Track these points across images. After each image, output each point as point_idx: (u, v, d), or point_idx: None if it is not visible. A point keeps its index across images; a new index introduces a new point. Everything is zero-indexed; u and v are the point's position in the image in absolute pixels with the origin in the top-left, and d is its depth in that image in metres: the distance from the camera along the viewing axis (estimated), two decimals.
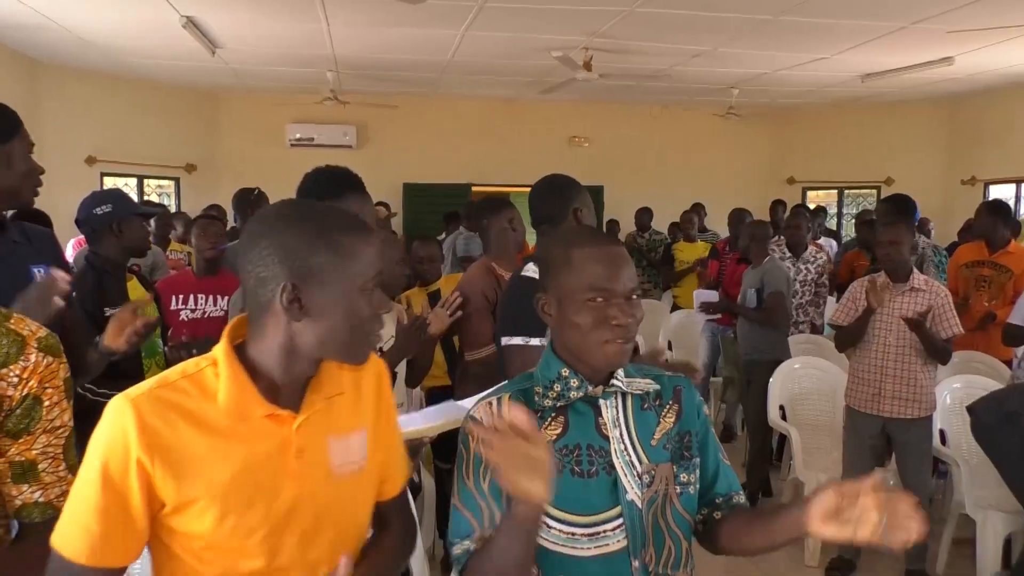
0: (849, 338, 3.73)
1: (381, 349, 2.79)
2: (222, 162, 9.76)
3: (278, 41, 6.89)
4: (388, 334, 2.80)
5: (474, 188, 10.54)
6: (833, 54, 6.88)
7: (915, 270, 3.67)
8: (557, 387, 1.34)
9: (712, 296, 5.32)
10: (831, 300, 5.50)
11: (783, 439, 4.98)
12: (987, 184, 9.25)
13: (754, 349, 4.77)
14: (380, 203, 8.33)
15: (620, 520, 1.30)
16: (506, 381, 1.46)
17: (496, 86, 9.07)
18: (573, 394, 1.34)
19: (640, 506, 1.32)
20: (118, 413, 1.07)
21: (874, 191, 10.51)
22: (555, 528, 1.29)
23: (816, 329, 5.33)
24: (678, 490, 1.36)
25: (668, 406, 1.40)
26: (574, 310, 1.31)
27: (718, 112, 9.37)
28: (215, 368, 1.13)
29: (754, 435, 4.86)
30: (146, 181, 9.48)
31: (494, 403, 1.34)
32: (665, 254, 7.01)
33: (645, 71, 7.81)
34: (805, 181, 10.82)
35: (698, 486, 1.40)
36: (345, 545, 1.23)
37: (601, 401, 1.35)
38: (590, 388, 1.34)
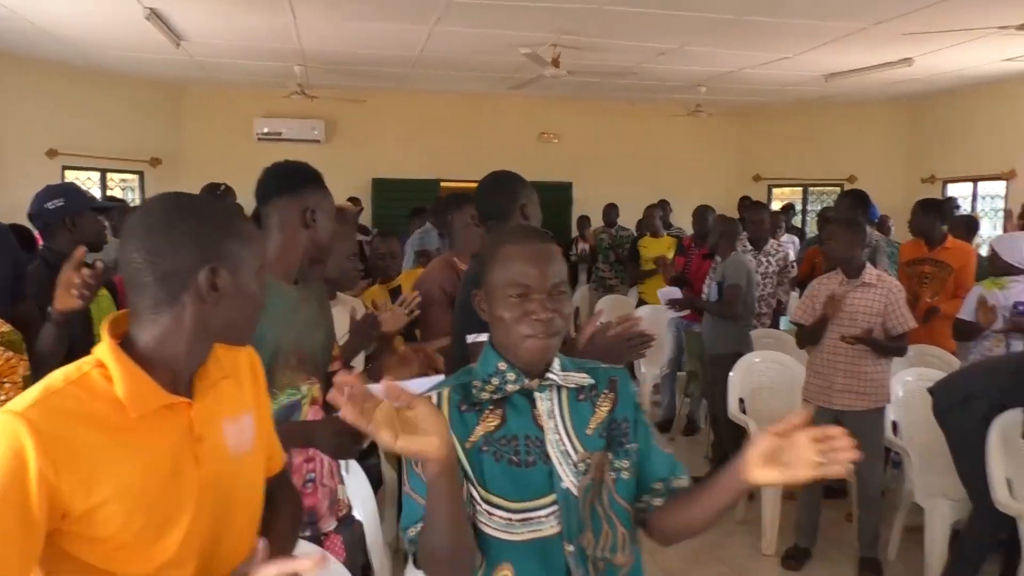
0: (808, 338, 3.84)
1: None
2: (188, 156, 9.65)
3: (245, 34, 6.84)
4: (342, 329, 2.83)
5: (443, 184, 10.53)
6: (796, 54, 7.00)
7: (868, 265, 3.77)
8: (495, 381, 1.39)
9: (675, 293, 5.40)
10: (794, 296, 5.61)
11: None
12: (945, 182, 9.48)
13: (717, 343, 4.86)
14: (350, 198, 8.33)
15: (554, 507, 1.35)
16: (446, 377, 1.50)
17: (465, 82, 9.08)
18: (510, 387, 1.38)
19: (576, 493, 1.36)
20: (8, 431, 1.02)
21: (838, 189, 10.70)
22: (495, 515, 1.34)
23: (781, 309, 5.42)
24: (613, 476, 1.41)
25: (603, 395, 1.45)
26: (499, 305, 1.37)
27: (686, 110, 9.48)
28: (101, 369, 1.12)
29: (716, 428, 4.95)
30: (109, 175, 9.34)
31: (434, 397, 1.38)
32: (631, 250, 7.09)
33: (613, 68, 7.87)
34: (771, 178, 10.99)
35: (634, 472, 1.45)
36: (253, 527, 1.28)
37: (537, 394, 1.40)
38: (526, 381, 1.39)
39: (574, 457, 1.37)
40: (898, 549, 3.92)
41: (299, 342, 1.93)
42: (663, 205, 7.49)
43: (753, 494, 4.33)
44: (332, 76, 8.67)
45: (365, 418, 1.09)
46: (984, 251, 5.34)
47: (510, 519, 1.34)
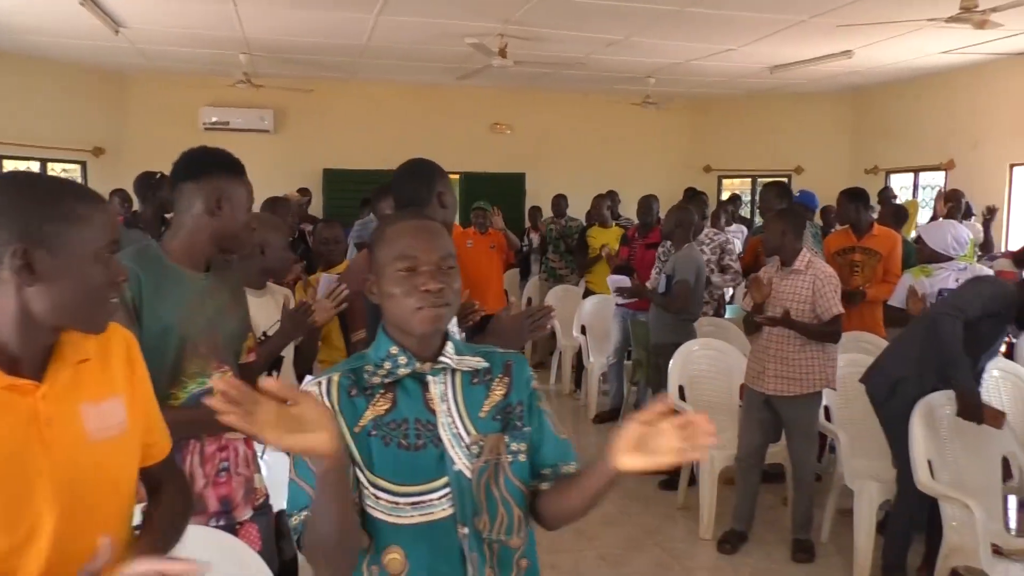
0: (751, 327, 3.90)
1: (265, 333, 2.79)
2: (132, 145, 9.43)
3: (185, 21, 6.70)
4: (273, 318, 2.80)
5: None
6: (740, 45, 7.09)
7: (803, 251, 3.82)
8: (387, 365, 1.39)
9: (624, 281, 5.43)
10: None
11: None
12: (888, 173, 9.70)
13: (661, 332, 4.90)
14: (300, 188, 8.22)
15: (447, 490, 1.36)
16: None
17: (415, 72, 9.02)
18: (402, 371, 1.38)
19: (470, 475, 1.37)
20: None
21: (786, 179, 10.88)
22: (382, 498, 1.34)
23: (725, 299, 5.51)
24: (509, 459, 1.42)
25: (498, 379, 1.46)
26: (387, 281, 1.37)
27: (636, 101, 9.54)
28: None
29: None
30: (50, 165, 9.09)
31: (323, 382, 1.37)
32: (579, 240, 7.12)
33: (561, 59, 7.89)
34: (721, 169, 11.13)
35: (529, 455, 1.46)
36: (122, 517, 1.25)
37: (429, 377, 1.40)
38: (418, 365, 1.39)
39: (467, 440, 1.38)
40: (830, 531, 4.02)
41: (209, 330, 1.90)
42: (611, 196, 7.53)
43: (694, 480, 4.41)
44: (279, 65, 8.54)
45: (249, 420, 1.08)
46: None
47: (397, 503, 1.34)
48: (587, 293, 6.97)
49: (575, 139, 10.78)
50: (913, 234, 5.36)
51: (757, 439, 3.90)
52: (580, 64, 8.12)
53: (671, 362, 4.51)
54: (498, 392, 1.44)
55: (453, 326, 2.13)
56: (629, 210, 8.61)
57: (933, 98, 8.88)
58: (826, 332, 3.68)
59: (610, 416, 6.17)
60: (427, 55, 7.89)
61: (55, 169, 9.24)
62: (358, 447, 1.34)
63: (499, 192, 9.33)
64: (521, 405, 1.46)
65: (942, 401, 3.27)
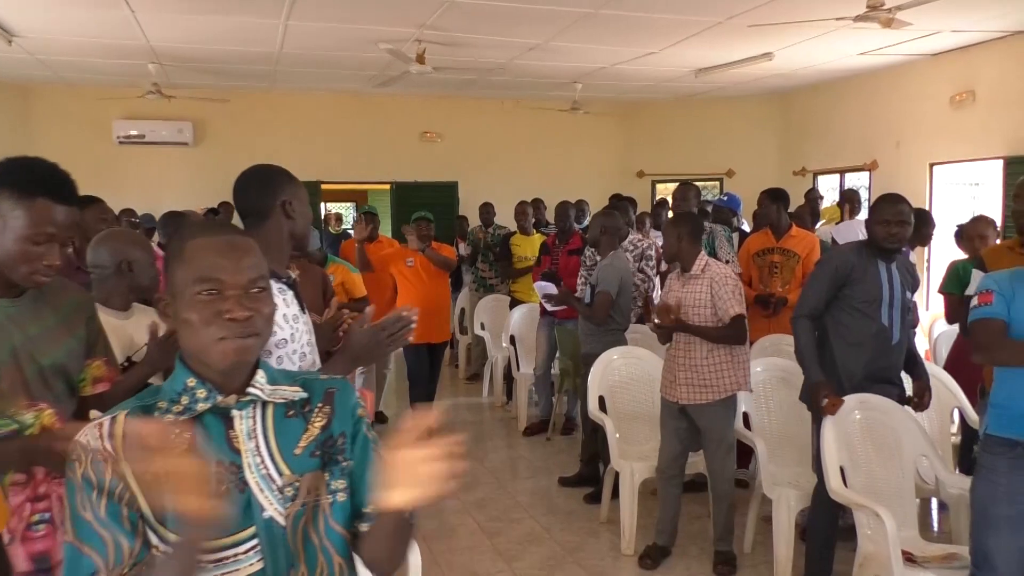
0: (663, 337, 3.78)
1: (130, 359, 2.55)
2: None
3: (82, 29, 6.36)
4: (140, 342, 2.57)
5: (324, 186, 10.21)
6: (660, 48, 7.04)
7: (703, 254, 3.73)
8: (185, 399, 1.21)
9: (551, 288, 5.29)
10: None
11: None
12: (816, 174, 9.80)
13: (590, 342, 4.76)
14: (222, 203, 7.83)
15: (255, 541, 1.19)
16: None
17: (336, 80, 8.79)
18: (200, 406, 1.21)
19: (283, 523, 1.21)
20: None
21: (717, 183, 10.94)
22: None
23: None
24: (329, 499, 1.26)
25: (318, 409, 1.30)
26: (185, 306, 1.20)
27: (565, 107, 9.46)
28: None
29: (586, 426, 4.88)
30: None
31: (106, 423, 1.18)
32: (503, 248, 6.99)
33: (483, 64, 7.75)
34: (654, 174, 11.12)
35: (350, 493, 1.30)
36: None
37: (234, 412, 1.23)
38: (219, 398, 1.22)
39: (279, 482, 1.22)
40: (754, 540, 3.92)
41: (14, 362, 1.68)
42: (536, 203, 7.42)
43: (616, 493, 4.27)
44: (193, 75, 8.22)
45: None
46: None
47: None
48: (514, 303, 6.82)
49: (507, 146, 10.67)
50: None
51: (675, 449, 3.79)
52: (503, 70, 7.99)
53: (591, 371, 4.38)
54: (317, 424, 1.28)
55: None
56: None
57: (855, 100, 9.00)
58: (729, 334, 3.59)
59: (540, 428, 6.03)
60: (345, 62, 7.67)
61: None
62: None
63: (432, 201, 9.13)
64: (344, 436, 1.30)
65: (853, 405, 3.19)
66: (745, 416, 3.94)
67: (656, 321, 3.79)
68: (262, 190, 1.96)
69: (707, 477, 4.01)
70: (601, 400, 4.34)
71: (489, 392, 7.16)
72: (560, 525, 4.33)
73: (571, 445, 5.67)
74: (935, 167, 8.11)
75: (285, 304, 1.93)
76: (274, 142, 9.75)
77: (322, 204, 10.85)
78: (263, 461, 1.22)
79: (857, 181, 9.24)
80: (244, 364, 1.23)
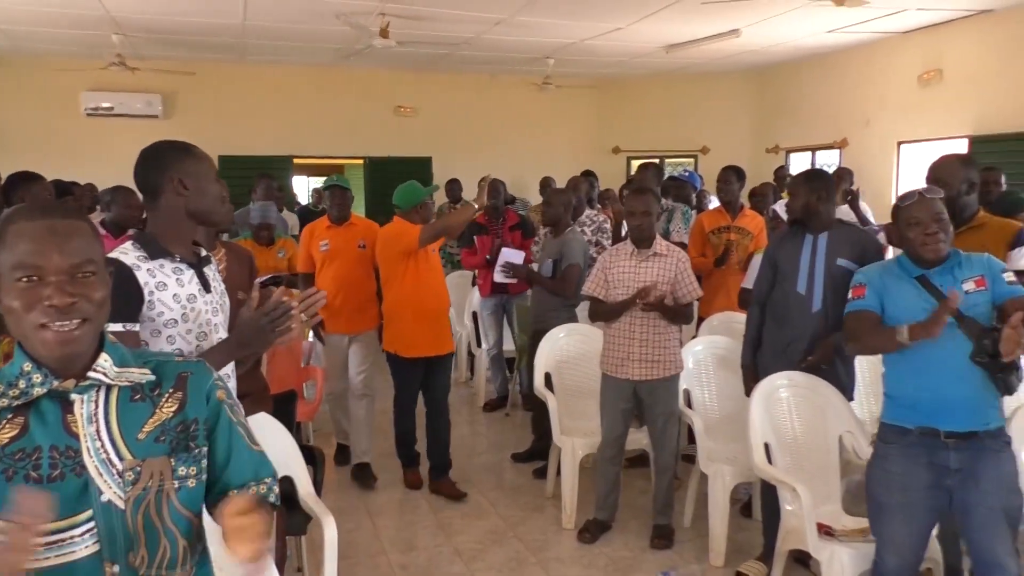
0: (604, 315, 3.78)
1: None
2: (8, 133, 8.87)
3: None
4: None
5: (296, 160, 10.15)
6: (628, 24, 6.99)
7: (658, 236, 3.75)
8: (21, 383, 1.21)
9: (520, 256, 5.25)
10: None
11: None
12: (788, 152, 9.80)
13: (543, 318, 4.77)
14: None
15: (91, 524, 1.20)
16: None
17: (304, 53, 8.70)
18: (36, 390, 1.20)
19: (123, 507, 1.22)
20: None
21: (692, 160, 10.93)
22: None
23: None
24: (176, 485, 1.26)
25: (168, 395, 1.29)
26: (6, 293, 1.19)
27: (538, 81, 9.40)
28: None
29: (535, 402, 4.90)
30: None
31: None
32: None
33: (450, 39, 7.69)
34: (629, 150, 11.10)
35: (204, 478, 1.30)
36: None
37: (74, 396, 1.22)
38: (56, 383, 1.21)
39: (119, 466, 1.22)
40: (693, 515, 3.98)
41: None
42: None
43: (560, 469, 4.31)
44: (159, 47, 8.12)
45: None
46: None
47: None
48: (475, 280, 6.81)
49: (482, 121, 10.62)
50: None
51: (618, 429, 3.81)
52: (470, 44, 7.92)
53: (538, 349, 4.41)
54: (168, 409, 1.28)
55: None
56: (533, 192, 8.48)
57: (826, 77, 8.98)
58: (688, 314, 3.75)
59: (499, 404, 6.06)
60: (309, 35, 7.59)
61: None
62: None
63: (405, 176, 8.96)
64: (197, 423, 1.30)
65: (781, 382, 3.23)
66: (686, 393, 3.98)
67: (640, 302, 3.75)
68: (152, 167, 1.94)
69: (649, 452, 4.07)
70: (548, 377, 4.36)
71: (454, 368, 7.18)
72: (507, 500, 4.37)
73: (529, 421, 5.70)
74: (902, 145, 8.12)
75: (179, 284, 1.92)
76: (245, 115, 9.70)
77: (295, 179, 10.75)
78: (103, 445, 1.22)
79: (828, 159, 9.25)
80: (72, 353, 1.21)
